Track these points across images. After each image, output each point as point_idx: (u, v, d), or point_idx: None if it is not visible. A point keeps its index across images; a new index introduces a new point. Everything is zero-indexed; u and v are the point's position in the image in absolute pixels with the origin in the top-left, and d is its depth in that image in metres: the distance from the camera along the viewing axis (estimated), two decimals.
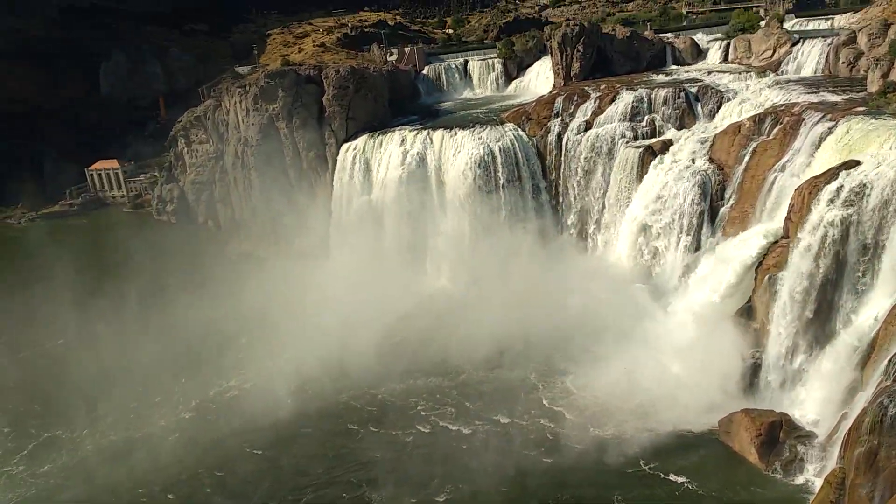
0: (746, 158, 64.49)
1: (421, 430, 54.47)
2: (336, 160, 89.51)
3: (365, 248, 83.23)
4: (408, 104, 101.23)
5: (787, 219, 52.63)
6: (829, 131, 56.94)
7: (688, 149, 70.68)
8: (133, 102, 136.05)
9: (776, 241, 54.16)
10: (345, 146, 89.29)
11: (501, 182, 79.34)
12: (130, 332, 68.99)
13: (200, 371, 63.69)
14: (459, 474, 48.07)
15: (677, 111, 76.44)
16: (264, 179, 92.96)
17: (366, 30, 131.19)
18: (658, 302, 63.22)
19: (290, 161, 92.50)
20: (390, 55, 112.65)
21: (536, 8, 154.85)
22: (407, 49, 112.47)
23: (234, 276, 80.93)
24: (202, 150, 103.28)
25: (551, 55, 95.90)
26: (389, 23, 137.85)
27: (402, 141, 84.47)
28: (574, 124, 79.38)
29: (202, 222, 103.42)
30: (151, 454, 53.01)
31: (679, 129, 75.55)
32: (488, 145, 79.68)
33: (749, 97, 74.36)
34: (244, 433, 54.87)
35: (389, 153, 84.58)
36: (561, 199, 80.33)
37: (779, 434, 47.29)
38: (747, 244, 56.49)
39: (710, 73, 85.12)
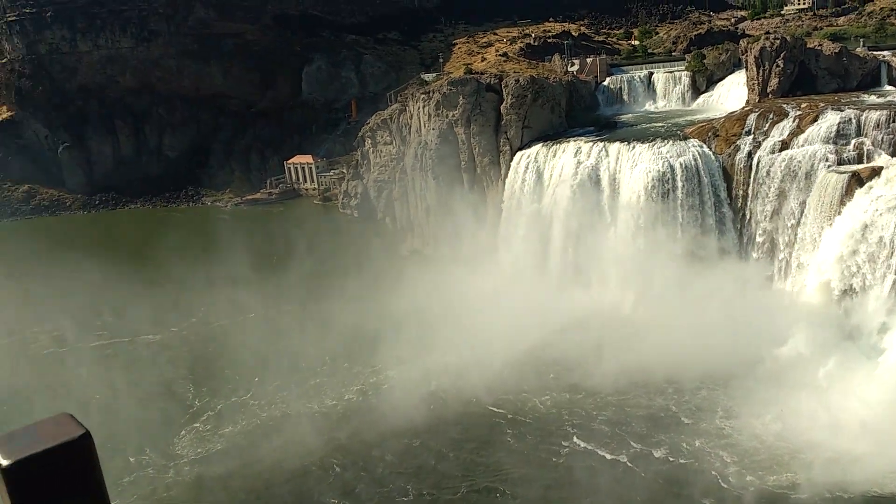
0: None
1: (565, 447, 53.41)
2: (509, 167, 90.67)
3: (531, 256, 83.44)
4: (585, 115, 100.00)
5: None
6: None
7: None
8: (329, 104, 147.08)
9: None
10: (519, 154, 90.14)
11: (680, 199, 75.82)
12: (305, 313, 75.03)
13: (361, 359, 67.26)
14: None
15: (892, 136, 68.42)
16: (439, 182, 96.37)
17: (549, 40, 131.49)
18: (851, 345, 56.97)
19: (465, 166, 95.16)
20: (571, 65, 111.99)
21: (732, 20, 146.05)
22: (589, 60, 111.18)
23: (404, 272, 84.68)
24: (386, 151, 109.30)
25: (746, 69, 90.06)
26: (573, 33, 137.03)
27: (577, 151, 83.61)
28: (768, 143, 73.89)
29: (380, 218, 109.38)
30: (314, 430, 56.83)
31: (893, 155, 67.60)
32: (668, 161, 76.52)
33: None
34: (394, 424, 56.83)
35: (563, 163, 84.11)
36: (746, 223, 75.08)
37: None
38: None
39: None
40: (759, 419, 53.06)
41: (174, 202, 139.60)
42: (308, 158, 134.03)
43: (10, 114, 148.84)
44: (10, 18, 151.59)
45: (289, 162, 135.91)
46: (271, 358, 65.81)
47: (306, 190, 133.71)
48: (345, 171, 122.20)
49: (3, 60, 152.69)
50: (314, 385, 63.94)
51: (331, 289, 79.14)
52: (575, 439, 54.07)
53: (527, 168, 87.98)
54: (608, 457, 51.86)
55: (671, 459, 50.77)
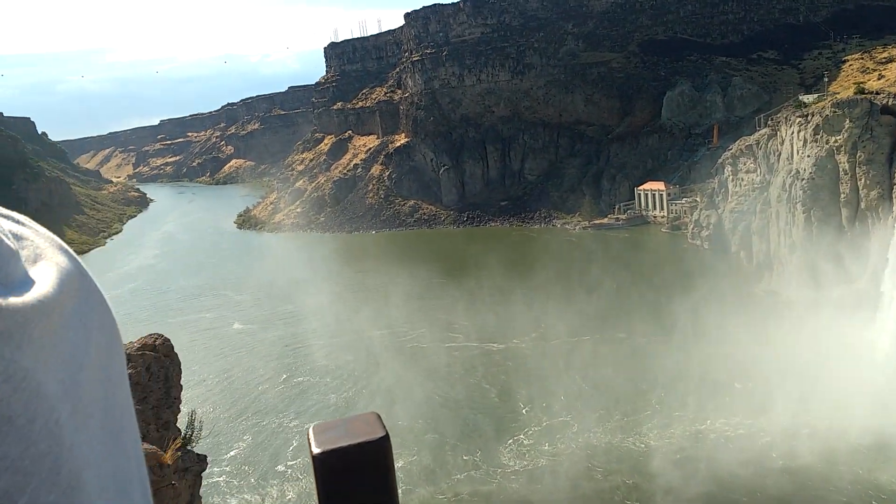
0: None
1: None
2: None
3: None
4: None
5: None
6: None
7: None
8: (689, 129, 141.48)
9: None
10: None
11: None
12: (637, 344, 72.81)
13: (689, 401, 62.04)
14: None
15: None
16: (810, 216, 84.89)
17: None
18: None
19: (846, 199, 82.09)
20: None
21: None
22: None
23: (755, 314, 76.43)
24: (747, 180, 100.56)
25: None
26: None
27: None
28: None
29: (734, 252, 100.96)
30: (627, 466, 54.39)
31: None
32: None
33: None
34: (726, 478, 51.24)
35: None
36: None
37: None
38: None
39: None
40: None
41: (528, 222, 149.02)
42: (660, 185, 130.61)
43: (406, 140, 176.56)
44: (414, 58, 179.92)
45: (639, 188, 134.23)
46: (596, 384, 65.23)
47: (654, 217, 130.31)
48: (698, 199, 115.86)
49: (406, 94, 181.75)
50: (634, 420, 61.31)
51: (667, 322, 75.40)
52: None
53: None
54: None
55: None
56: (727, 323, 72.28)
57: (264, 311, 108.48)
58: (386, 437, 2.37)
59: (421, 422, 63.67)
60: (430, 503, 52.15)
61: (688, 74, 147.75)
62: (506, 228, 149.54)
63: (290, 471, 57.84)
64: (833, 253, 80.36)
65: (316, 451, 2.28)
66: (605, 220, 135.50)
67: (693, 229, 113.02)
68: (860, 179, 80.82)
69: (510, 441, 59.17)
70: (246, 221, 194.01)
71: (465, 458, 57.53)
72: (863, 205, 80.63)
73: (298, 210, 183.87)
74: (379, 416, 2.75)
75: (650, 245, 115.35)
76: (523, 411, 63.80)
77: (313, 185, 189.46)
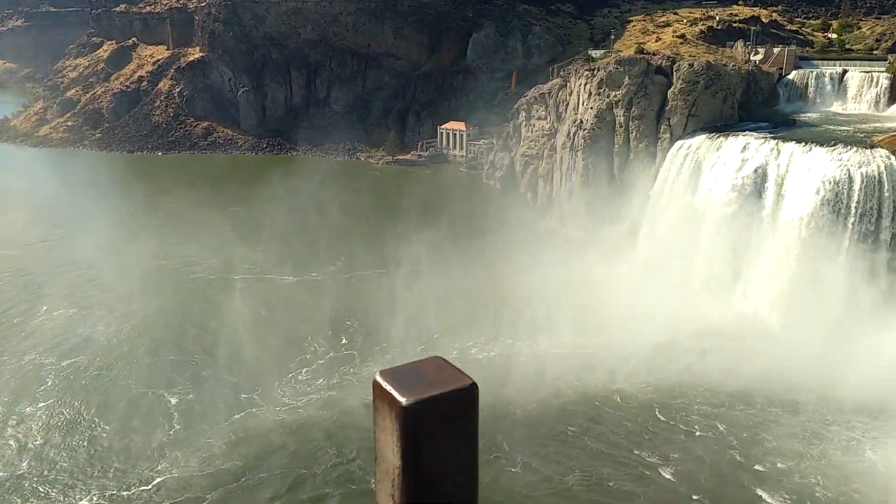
0: None
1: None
2: (665, 155, 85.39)
3: (674, 250, 78.53)
4: (761, 109, 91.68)
5: None
6: None
7: None
8: (491, 73, 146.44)
9: None
10: (678, 143, 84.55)
11: (852, 217, 67.51)
12: (433, 277, 76.07)
13: (482, 329, 66.61)
14: None
15: None
16: (588, 163, 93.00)
17: (734, 24, 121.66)
18: None
19: (619, 149, 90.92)
20: (755, 54, 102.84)
21: None
22: (776, 49, 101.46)
23: (536, 249, 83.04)
24: (538, 126, 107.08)
25: None
26: (763, 19, 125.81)
27: (744, 147, 76.86)
28: None
29: (522, 193, 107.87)
30: None
31: None
32: (847, 169, 68.22)
33: None
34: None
35: (726, 157, 77.78)
36: None
37: None
38: None
39: None
40: None
41: (333, 153, 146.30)
42: (461, 125, 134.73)
43: (201, 55, 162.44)
44: None
45: (442, 126, 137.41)
46: (390, 317, 66.95)
47: (454, 156, 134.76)
48: (494, 141, 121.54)
49: (202, 3, 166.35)
50: (430, 350, 64.43)
51: (460, 256, 79.16)
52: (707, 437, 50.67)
53: (685, 158, 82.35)
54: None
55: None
56: (511, 256, 77.88)
57: (31, 235, 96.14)
58: (475, 385, 2.42)
59: (199, 357, 61.21)
60: (212, 441, 50.54)
61: (493, 18, 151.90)
62: (309, 158, 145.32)
63: (38, 412, 52.76)
64: (603, 197, 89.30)
65: (404, 401, 2.25)
66: (409, 156, 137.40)
67: (488, 170, 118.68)
68: (632, 132, 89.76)
69: (291, 376, 58.61)
70: (4, 132, 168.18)
71: (243, 396, 56.04)
72: (631, 155, 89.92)
73: (69, 123, 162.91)
74: (446, 360, 2.58)
75: (449, 183, 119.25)
76: (309, 345, 63.74)
77: (88, 95, 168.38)
